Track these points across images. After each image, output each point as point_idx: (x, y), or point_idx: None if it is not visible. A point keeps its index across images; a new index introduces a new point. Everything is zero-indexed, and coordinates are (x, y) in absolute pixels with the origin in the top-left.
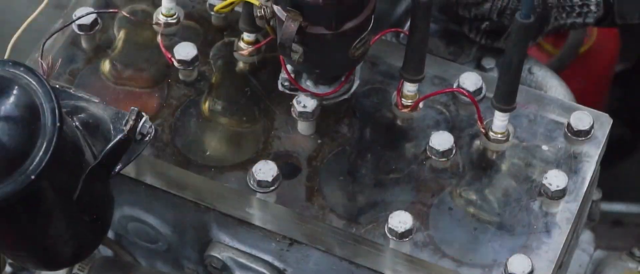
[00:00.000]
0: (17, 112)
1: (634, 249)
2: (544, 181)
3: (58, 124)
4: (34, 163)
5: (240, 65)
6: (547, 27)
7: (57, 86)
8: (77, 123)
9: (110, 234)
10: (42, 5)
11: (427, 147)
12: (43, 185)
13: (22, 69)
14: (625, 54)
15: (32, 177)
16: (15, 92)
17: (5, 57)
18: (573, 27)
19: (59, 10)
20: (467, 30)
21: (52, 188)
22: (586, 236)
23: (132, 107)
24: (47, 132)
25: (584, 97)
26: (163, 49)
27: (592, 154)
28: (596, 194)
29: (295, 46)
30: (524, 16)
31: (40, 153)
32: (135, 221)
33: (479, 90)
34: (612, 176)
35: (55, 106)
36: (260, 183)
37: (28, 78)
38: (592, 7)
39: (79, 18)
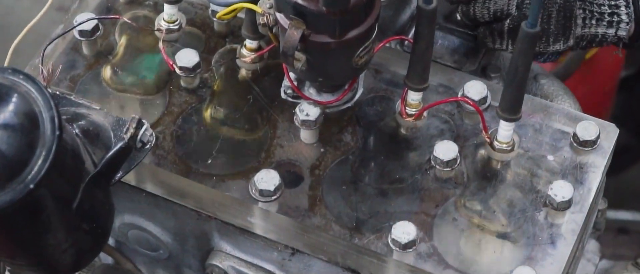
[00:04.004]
0: (16, 120)
1: (639, 259)
2: (550, 192)
3: (57, 133)
4: (33, 172)
5: (243, 72)
6: (575, 29)
7: (58, 93)
8: (77, 130)
9: (110, 242)
10: (43, 9)
11: (431, 157)
12: (42, 194)
13: (21, 76)
14: (630, 60)
15: (31, 186)
16: (14, 100)
17: (6, 61)
18: (605, 39)
19: (60, 13)
20: (491, 41)
21: (51, 197)
22: (591, 246)
23: (133, 115)
24: (46, 141)
25: (589, 104)
26: (165, 56)
27: (598, 164)
28: (602, 204)
29: (298, 54)
30: (530, 25)
31: (39, 162)
32: (135, 229)
33: (484, 99)
34: (617, 184)
35: (55, 114)
36: (262, 192)
37: (27, 86)
38: (623, 17)
39: (80, 24)
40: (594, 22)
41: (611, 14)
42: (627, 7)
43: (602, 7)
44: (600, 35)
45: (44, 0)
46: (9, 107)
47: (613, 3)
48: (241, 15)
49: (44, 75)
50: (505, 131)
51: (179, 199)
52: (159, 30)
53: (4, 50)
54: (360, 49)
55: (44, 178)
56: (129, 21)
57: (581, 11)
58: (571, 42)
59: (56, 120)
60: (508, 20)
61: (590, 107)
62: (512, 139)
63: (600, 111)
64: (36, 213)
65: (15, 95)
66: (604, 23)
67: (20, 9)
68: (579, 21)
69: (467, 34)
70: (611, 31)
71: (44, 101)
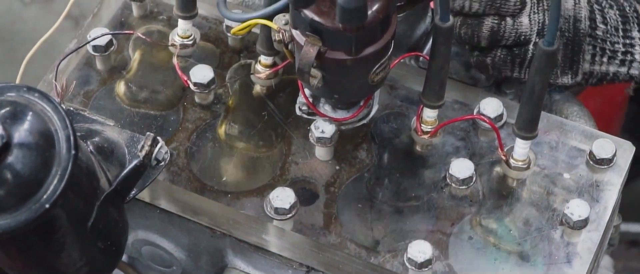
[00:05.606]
0: (32, 139)
1: None
2: (566, 211)
3: (73, 152)
4: (48, 192)
5: (257, 88)
6: (583, 65)
7: (72, 108)
8: (91, 147)
9: (124, 258)
10: (57, 22)
11: (447, 175)
12: (57, 213)
13: (36, 94)
14: None
15: (46, 206)
16: (29, 118)
17: (19, 75)
18: (616, 78)
19: (70, 21)
20: (509, 70)
21: (66, 216)
22: (605, 262)
23: (148, 133)
24: (62, 160)
25: (599, 116)
26: (179, 71)
27: (614, 182)
28: (616, 219)
29: (314, 71)
30: (547, 43)
31: (55, 181)
32: (149, 245)
33: (500, 116)
34: (626, 196)
35: (71, 133)
36: (277, 210)
37: (43, 104)
38: (637, 56)
39: (94, 39)
40: (605, 60)
41: (625, 53)
42: None
43: (616, 45)
44: (611, 74)
45: (51, 8)
46: (24, 126)
47: (627, 42)
48: (255, 30)
49: (57, 91)
50: (521, 148)
51: (193, 216)
52: (173, 45)
53: (13, 57)
54: (377, 66)
55: (59, 198)
56: (143, 36)
57: (591, 48)
58: (579, 77)
59: (72, 139)
60: (531, 47)
61: (601, 119)
62: (528, 156)
63: (611, 122)
64: (51, 232)
65: (31, 113)
66: (617, 61)
67: (28, 17)
68: (588, 57)
69: None
70: (623, 70)
71: (59, 119)
